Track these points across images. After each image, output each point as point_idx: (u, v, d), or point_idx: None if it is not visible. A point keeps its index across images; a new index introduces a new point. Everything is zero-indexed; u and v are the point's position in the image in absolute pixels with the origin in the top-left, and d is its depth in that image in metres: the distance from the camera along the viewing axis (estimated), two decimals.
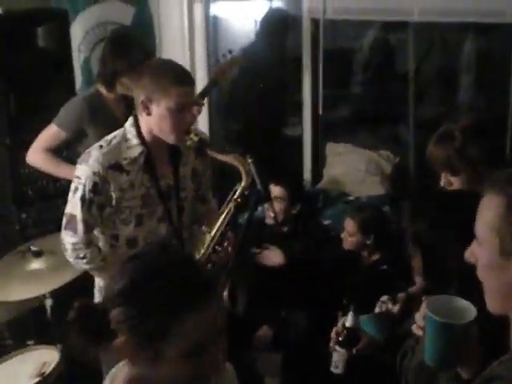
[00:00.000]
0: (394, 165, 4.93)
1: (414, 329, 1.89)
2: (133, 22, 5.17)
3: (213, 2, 5.49)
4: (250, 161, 2.78)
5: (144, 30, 5.29)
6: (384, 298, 2.94)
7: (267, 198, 2.85)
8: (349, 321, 2.52)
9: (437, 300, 1.84)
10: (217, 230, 2.87)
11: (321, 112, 5.10)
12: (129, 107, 3.85)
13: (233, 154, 2.82)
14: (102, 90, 3.79)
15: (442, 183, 2.73)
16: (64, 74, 4.45)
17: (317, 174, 5.27)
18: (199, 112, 2.89)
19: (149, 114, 2.72)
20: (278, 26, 5.44)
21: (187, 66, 4.56)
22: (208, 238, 2.89)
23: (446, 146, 2.66)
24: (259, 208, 4.22)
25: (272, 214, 2.92)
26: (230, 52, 4.73)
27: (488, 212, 1.50)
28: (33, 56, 4.25)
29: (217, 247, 2.89)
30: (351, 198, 4.82)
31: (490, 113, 4.75)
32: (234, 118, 5.88)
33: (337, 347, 2.52)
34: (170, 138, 2.76)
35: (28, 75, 4.18)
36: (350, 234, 3.89)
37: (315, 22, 4.96)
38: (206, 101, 5.47)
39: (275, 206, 4.07)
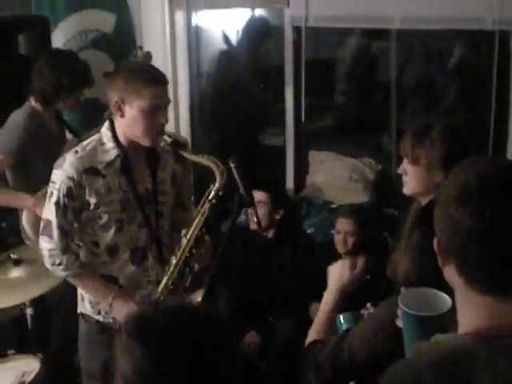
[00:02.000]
0: (377, 172, 4.93)
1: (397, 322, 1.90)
2: (114, 30, 5.15)
3: (194, 10, 5.48)
4: (232, 165, 2.76)
5: (125, 37, 5.27)
6: (368, 304, 2.93)
7: (250, 203, 2.82)
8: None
9: (412, 292, 1.84)
10: (192, 233, 2.81)
11: (303, 120, 5.10)
12: (62, 123, 3.82)
13: (207, 156, 2.79)
14: (38, 106, 3.68)
15: (398, 169, 2.70)
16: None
17: (300, 182, 5.27)
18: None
19: (122, 115, 2.69)
20: (259, 35, 5.45)
21: (169, 75, 4.56)
22: (184, 241, 2.85)
23: (418, 138, 2.63)
24: (243, 215, 4.21)
25: (255, 220, 2.88)
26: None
27: None
28: (13, 63, 4.22)
29: (193, 251, 2.85)
30: (334, 205, 4.82)
31: (472, 121, 4.77)
32: (216, 127, 5.87)
33: None
34: (143, 140, 2.73)
35: (8, 82, 4.15)
36: (350, 234, 3.86)
37: (297, 31, 4.97)
38: (188, 111, 5.50)
39: (258, 210, 4.07)
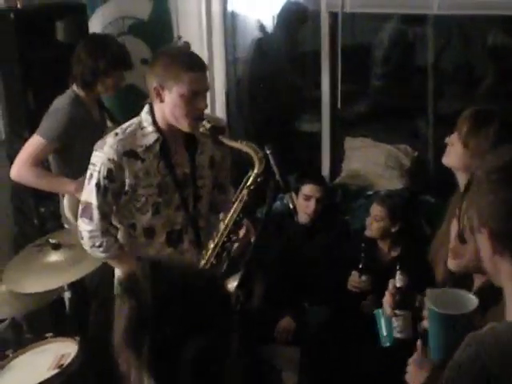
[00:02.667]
0: (413, 159, 4.89)
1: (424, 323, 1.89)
2: (150, 17, 5.17)
3: None
4: (268, 151, 2.76)
5: (162, 24, 5.28)
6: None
7: (286, 189, 2.83)
8: (398, 281, 2.42)
9: (439, 292, 1.84)
10: (230, 219, 2.84)
11: (339, 106, 5.08)
12: (103, 110, 3.85)
13: (246, 142, 2.80)
14: (80, 92, 3.72)
15: (447, 138, 2.70)
16: None
17: (335, 169, 5.24)
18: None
19: (161, 100, 2.71)
20: (295, 21, 5.42)
21: (205, 61, 4.55)
22: (222, 226, 2.87)
23: (476, 125, 2.62)
24: (278, 201, 4.23)
25: (292, 206, 2.88)
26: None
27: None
28: (52, 50, 4.27)
29: (231, 236, 2.87)
30: (370, 192, 4.79)
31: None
32: (252, 113, 5.87)
33: (397, 311, 2.38)
34: (182, 125, 2.75)
35: (46, 69, 4.20)
36: (377, 220, 3.86)
37: (334, 16, 4.93)
38: (224, 96, 5.50)
39: (308, 204, 4.10)
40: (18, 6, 4.16)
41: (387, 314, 2.42)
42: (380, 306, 2.58)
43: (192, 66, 2.68)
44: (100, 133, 3.62)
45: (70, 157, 3.65)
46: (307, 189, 4.17)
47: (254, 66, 5.70)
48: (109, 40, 3.89)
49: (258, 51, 5.62)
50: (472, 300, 1.78)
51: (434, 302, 1.80)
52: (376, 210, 3.90)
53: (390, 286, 2.45)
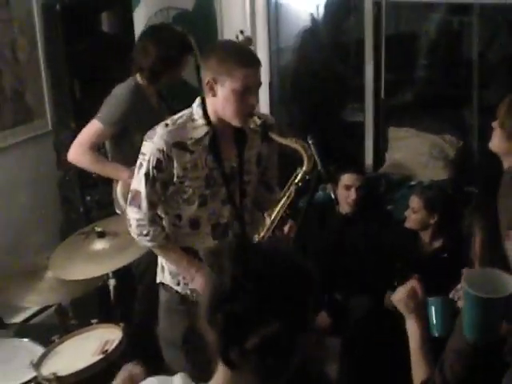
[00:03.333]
0: (458, 149, 4.85)
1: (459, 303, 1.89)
2: (195, 7, 5.19)
3: None
4: (310, 142, 2.77)
5: (206, 15, 5.30)
6: (458, 286, 2.87)
7: (328, 179, 2.83)
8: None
9: (476, 273, 1.82)
10: (277, 214, 2.86)
11: (383, 96, 5.05)
12: (163, 99, 3.87)
13: (294, 138, 2.81)
14: (142, 81, 3.74)
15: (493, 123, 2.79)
16: (127, 58, 4.50)
17: (378, 159, 5.22)
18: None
19: (214, 95, 2.72)
20: (339, 10, 5.41)
21: None
22: (268, 221, 2.88)
23: None
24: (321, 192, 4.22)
25: (333, 196, 2.89)
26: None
27: None
28: (97, 41, 4.32)
29: (276, 231, 2.88)
30: (413, 182, 4.77)
31: None
32: (295, 103, 5.87)
33: None
34: (233, 120, 2.76)
35: (92, 60, 4.25)
36: (414, 211, 3.85)
37: (378, 5, 4.91)
38: (267, 86, 5.50)
39: (348, 194, 4.10)
40: None
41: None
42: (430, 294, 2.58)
43: (246, 61, 2.68)
44: (158, 122, 3.67)
45: (126, 144, 3.70)
46: (347, 178, 4.16)
47: (300, 55, 5.70)
48: (171, 29, 3.93)
49: (304, 41, 5.62)
50: (510, 282, 1.75)
51: (471, 283, 1.79)
52: (413, 201, 3.89)
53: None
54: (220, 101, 2.72)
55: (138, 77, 3.75)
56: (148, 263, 3.45)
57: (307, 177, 2.78)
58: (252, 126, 2.77)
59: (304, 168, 2.78)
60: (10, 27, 4.24)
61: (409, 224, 3.89)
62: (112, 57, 4.30)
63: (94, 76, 4.21)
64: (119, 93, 3.68)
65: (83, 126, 3.70)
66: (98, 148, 3.70)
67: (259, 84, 2.78)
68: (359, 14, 5.12)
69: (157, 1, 4.99)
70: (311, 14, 5.53)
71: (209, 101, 2.78)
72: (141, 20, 4.85)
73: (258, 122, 2.74)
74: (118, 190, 3.66)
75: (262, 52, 5.49)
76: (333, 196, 2.88)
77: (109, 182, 3.82)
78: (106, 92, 3.71)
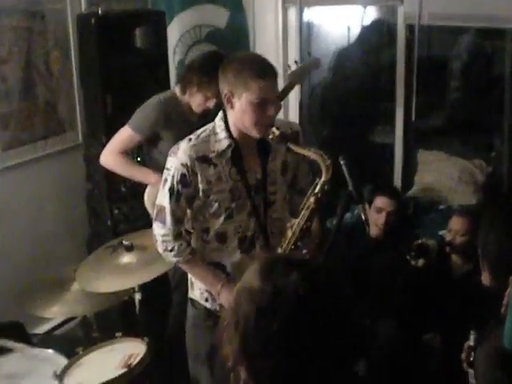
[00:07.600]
0: (488, 174, 4.81)
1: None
2: (227, 25, 5.23)
3: (307, 7, 5.49)
4: (342, 162, 2.76)
5: (238, 33, 5.34)
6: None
7: (359, 200, 2.81)
8: (472, 340, 2.48)
9: None
10: (298, 226, 2.83)
11: (413, 119, 5.04)
12: (204, 115, 3.88)
13: (314, 149, 2.79)
14: (180, 95, 3.77)
15: None
16: (160, 74, 4.54)
17: (407, 181, 5.20)
18: (277, 110, 2.86)
19: (232, 107, 2.72)
20: (371, 32, 5.41)
21: (280, 70, 4.59)
22: (289, 233, 2.87)
23: None
24: (350, 213, 4.21)
25: (364, 217, 2.86)
26: (309, 54, 4.71)
27: None
28: (130, 56, 4.35)
29: (299, 243, 2.86)
30: (442, 206, 4.73)
31: None
32: (325, 123, 5.87)
33: (469, 369, 2.50)
34: (252, 132, 2.74)
35: (125, 75, 4.28)
36: (460, 234, 3.81)
37: (410, 28, 4.91)
38: (297, 106, 5.50)
39: (380, 218, 4.08)
40: (99, 12, 4.25)
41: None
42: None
43: (262, 73, 2.66)
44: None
45: (157, 150, 3.75)
46: (380, 201, 4.15)
47: (329, 76, 5.71)
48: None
49: (333, 61, 5.62)
50: None
51: None
52: (457, 223, 3.84)
53: (466, 345, 2.49)
54: (238, 113, 2.71)
55: (176, 88, 3.79)
56: (184, 273, 3.45)
57: (326, 187, 2.75)
58: (270, 137, 2.75)
59: (323, 178, 2.74)
60: (44, 39, 4.30)
61: (451, 250, 3.83)
62: (144, 73, 4.34)
63: (126, 91, 4.24)
64: (153, 102, 3.74)
65: None
66: (127, 153, 3.78)
67: (276, 96, 2.75)
68: (392, 37, 5.11)
69: (190, 18, 5.05)
70: (339, 35, 5.54)
71: (228, 113, 2.78)
72: (174, 36, 4.90)
73: (277, 133, 2.72)
74: (146, 194, 3.69)
75: None
76: (363, 217, 2.85)
77: (137, 196, 3.84)
78: (138, 107, 3.74)
